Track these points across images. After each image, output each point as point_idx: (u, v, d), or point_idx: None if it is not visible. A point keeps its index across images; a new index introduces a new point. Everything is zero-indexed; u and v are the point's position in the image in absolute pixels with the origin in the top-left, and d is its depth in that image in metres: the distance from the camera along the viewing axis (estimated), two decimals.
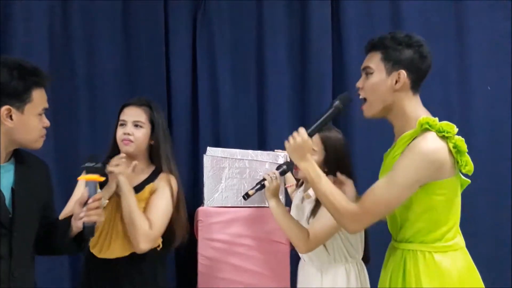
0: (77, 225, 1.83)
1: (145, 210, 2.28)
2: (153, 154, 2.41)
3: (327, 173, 2.29)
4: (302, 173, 2.33)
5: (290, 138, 1.97)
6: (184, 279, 2.98)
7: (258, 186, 2.37)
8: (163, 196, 2.32)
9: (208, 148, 2.74)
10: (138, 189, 2.32)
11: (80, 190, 2.19)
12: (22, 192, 1.76)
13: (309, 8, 3.06)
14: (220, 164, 2.69)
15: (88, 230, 1.80)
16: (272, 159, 2.68)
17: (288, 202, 2.64)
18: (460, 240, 1.93)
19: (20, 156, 1.83)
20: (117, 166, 2.20)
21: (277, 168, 2.44)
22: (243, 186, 2.67)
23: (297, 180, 2.60)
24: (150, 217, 2.25)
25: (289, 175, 2.75)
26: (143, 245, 2.20)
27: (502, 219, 3.01)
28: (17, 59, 1.78)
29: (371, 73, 1.91)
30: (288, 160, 2.73)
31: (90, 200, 1.80)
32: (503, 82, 3.04)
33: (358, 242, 2.34)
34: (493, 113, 2.94)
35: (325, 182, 1.90)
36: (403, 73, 1.86)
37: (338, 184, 2.14)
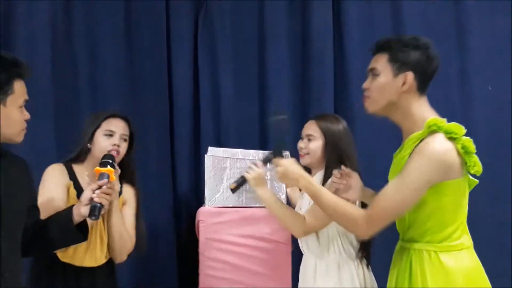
0: (81, 212, 1.85)
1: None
2: (123, 166, 2.38)
3: (328, 163, 2.33)
4: (306, 160, 2.41)
5: (275, 172, 2.04)
6: (186, 279, 2.99)
7: (240, 178, 2.27)
8: (133, 212, 2.39)
9: (210, 148, 2.74)
10: None
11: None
12: (8, 192, 1.71)
13: (310, 9, 3.06)
14: (222, 164, 2.70)
15: (96, 210, 1.84)
16: None
17: (289, 203, 2.64)
18: (466, 240, 1.94)
19: (2, 154, 1.77)
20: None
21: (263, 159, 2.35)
22: (244, 186, 2.67)
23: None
24: (127, 223, 2.34)
25: None
26: (125, 257, 2.33)
27: (502, 219, 3.02)
28: None
29: (378, 75, 1.91)
30: (289, 156, 2.74)
31: (105, 185, 1.89)
32: (504, 82, 3.04)
33: (348, 240, 2.33)
34: (494, 114, 2.94)
35: (326, 193, 1.93)
36: (410, 74, 1.86)
37: (344, 177, 2.15)
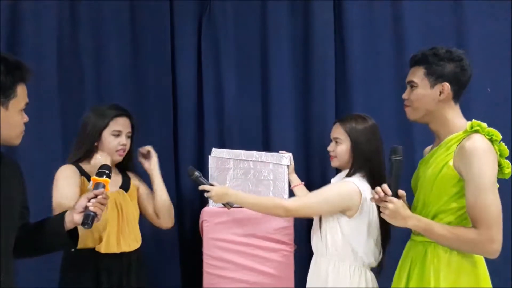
0: (74, 219, 1.82)
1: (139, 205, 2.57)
2: (126, 158, 2.55)
3: (353, 164, 2.38)
4: (335, 163, 2.48)
5: (384, 210, 1.96)
6: (190, 279, 3.00)
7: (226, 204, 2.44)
8: (147, 186, 2.60)
9: (213, 149, 2.76)
10: (126, 187, 2.52)
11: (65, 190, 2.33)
12: (2, 194, 1.70)
13: (312, 10, 3.06)
14: (225, 165, 2.72)
15: (89, 218, 1.81)
16: (276, 160, 2.69)
17: None
18: None
19: None
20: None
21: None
22: (247, 187, 2.70)
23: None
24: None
25: (293, 176, 2.79)
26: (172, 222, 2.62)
27: (502, 219, 3.01)
28: (0, 53, 1.72)
29: (416, 87, 2.06)
30: (292, 162, 2.77)
31: (100, 195, 1.86)
32: (503, 83, 3.04)
33: (364, 247, 2.32)
34: (493, 115, 2.94)
35: (436, 226, 1.96)
36: (447, 85, 2.02)
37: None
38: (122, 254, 2.40)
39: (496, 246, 1.89)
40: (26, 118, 1.78)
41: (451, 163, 1.95)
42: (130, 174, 2.60)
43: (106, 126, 2.43)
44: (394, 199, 1.94)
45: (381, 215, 2.00)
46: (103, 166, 2.00)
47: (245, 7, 3.08)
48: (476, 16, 3.06)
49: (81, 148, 2.45)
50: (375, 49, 3.08)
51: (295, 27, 3.10)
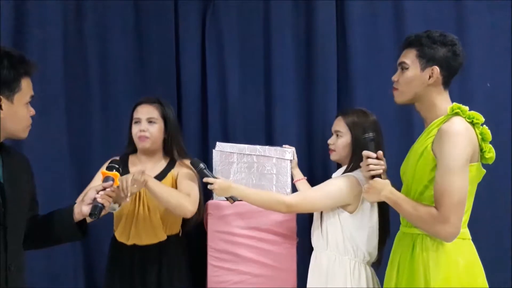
0: (82, 210, 1.86)
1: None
2: (167, 147, 2.58)
3: (353, 158, 2.38)
4: (334, 156, 2.49)
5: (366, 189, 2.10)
6: (194, 271, 2.97)
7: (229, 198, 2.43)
8: (191, 177, 2.54)
9: (217, 143, 2.78)
10: (160, 176, 2.53)
11: (97, 181, 2.34)
12: (11, 186, 1.73)
13: (314, 7, 3.08)
14: (229, 159, 2.74)
15: (97, 209, 1.85)
16: (280, 155, 2.71)
17: None
18: (467, 232, 2.00)
19: (5, 149, 1.78)
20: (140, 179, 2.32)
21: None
22: (251, 180, 2.72)
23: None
24: (184, 185, 2.50)
25: (296, 170, 2.82)
26: (191, 207, 2.44)
27: (502, 219, 3.01)
28: (4, 48, 1.74)
29: (406, 68, 2.04)
30: (295, 157, 2.80)
31: (108, 187, 1.91)
32: (503, 80, 3.05)
33: (364, 243, 2.32)
34: (493, 112, 2.94)
35: (406, 203, 1.97)
36: (436, 69, 1.98)
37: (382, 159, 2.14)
38: (135, 246, 2.46)
39: (450, 228, 1.86)
40: (32, 111, 1.80)
41: (429, 147, 1.94)
42: (180, 164, 2.59)
43: (131, 118, 2.56)
44: (371, 181, 2.05)
45: (363, 194, 2.09)
46: (113, 161, 2.06)
47: (248, 4, 3.10)
48: (477, 11, 3.07)
49: (127, 141, 2.60)
50: (376, 45, 3.10)
51: (297, 24, 3.12)
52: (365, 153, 2.10)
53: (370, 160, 2.07)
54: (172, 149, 2.60)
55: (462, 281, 1.91)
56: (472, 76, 3.01)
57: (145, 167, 2.50)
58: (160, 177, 2.54)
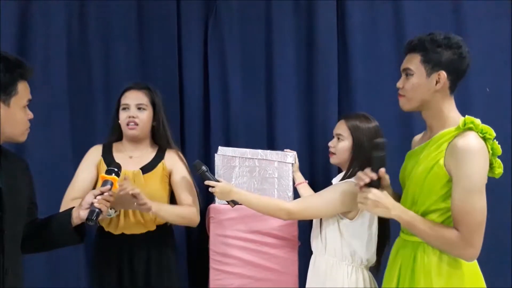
0: (80, 215, 1.86)
1: (175, 188, 2.49)
2: (156, 135, 2.51)
3: (353, 163, 2.33)
4: (334, 160, 2.45)
5: (365, 199, 1.92)
6: (196, 274, 3.03)
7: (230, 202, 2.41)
8: (189, 185, 2.49)
9: (219, 147, 2.81)
10: (150, 167, 2.46)
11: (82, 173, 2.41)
12: (10, 190, 1.72)
13: (315, 11, 3.10)
14: (231, 163, 2.76)
15: (94, 214, 1.85)
16: (281, 158, 2.73)
17: None
18: None
19: (3, 153, 1.77)
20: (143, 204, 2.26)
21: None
22: (253, 184, 2.74)
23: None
24: (185, 195, 2.46)
25: (298, 174, 2.83)
26: (197, 218, 2.50)
27: (502, 219, 3.01)
28: (0, 52, 1.72)
29: (411, 75, 1.95)
30: (296, 160, 2.81)
31: (106, 192, 1.91)
32: (503, 84, 3.06)
33: (363, 249, 2.31)
34: (493, 115, 2.96)
35: (421, 222, 1.89)
36: (443, 73, 1.90)
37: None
38: (122, 235, 2.40)
39: (474, 251, 1.82)
40: (30, 115, 1.79)
41: (441, 162, 1.86)
42: (171, 154, 2.52)
43: (118, 103, 2.46)
44: (374, 189, 1.90)
45: (359, 205, 1.94)
46: (112, 164, 2.04)
47: (250, 9, 3.12)
48: (476, 16, 3.08)
49: (111, 128, 2.52)
50: (377, 50, 3.12)
51: (299, 29, 3.14)
52: (367, 171, 1.96)
53: (366, 171, 1.95)
54: (161, 137, 2.51)
55: None
56: (471, 81, 3.01)
57: (131, 155, 2.45)
58: (150, 167, 2.45)
